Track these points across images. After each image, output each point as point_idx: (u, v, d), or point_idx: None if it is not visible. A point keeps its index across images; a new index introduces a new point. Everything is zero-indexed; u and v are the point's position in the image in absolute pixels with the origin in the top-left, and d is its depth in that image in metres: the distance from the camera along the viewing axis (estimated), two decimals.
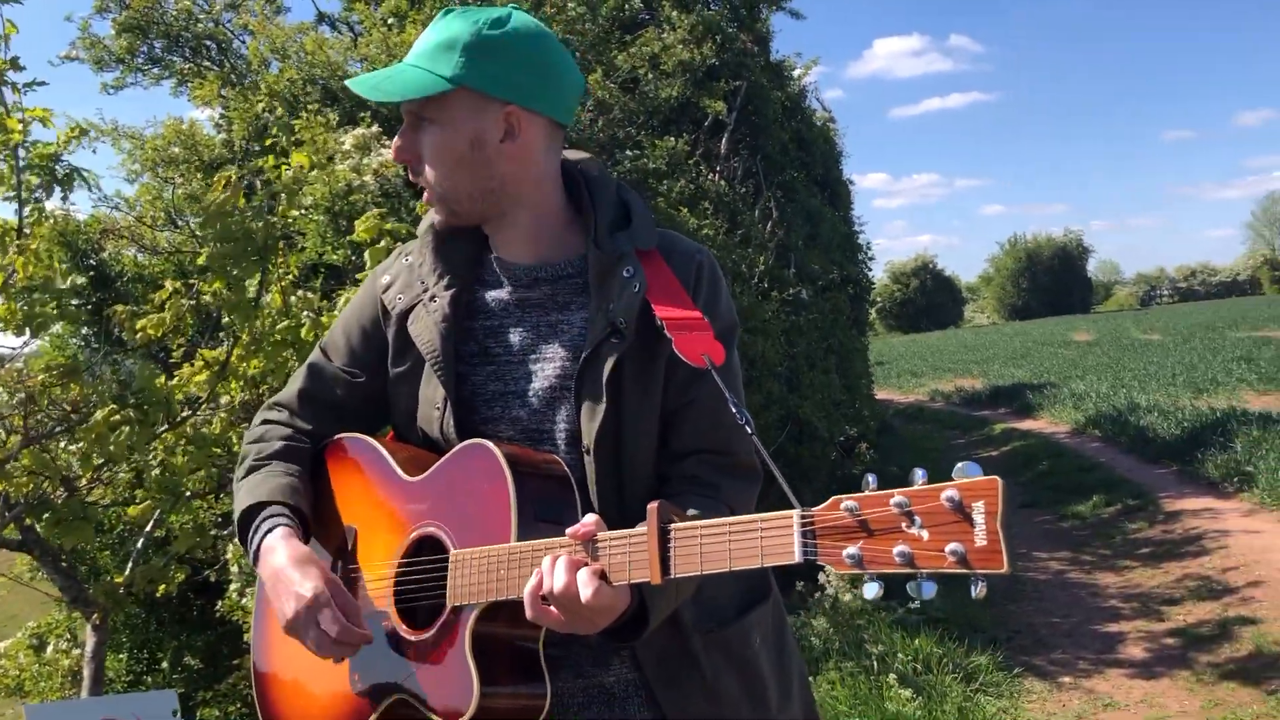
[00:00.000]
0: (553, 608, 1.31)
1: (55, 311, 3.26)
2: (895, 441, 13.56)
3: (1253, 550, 7.09)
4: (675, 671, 1.53)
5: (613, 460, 1.50)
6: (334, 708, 1.55)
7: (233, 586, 3.89)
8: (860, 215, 14.18)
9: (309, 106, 5.21)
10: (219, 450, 3.52)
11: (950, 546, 1.06)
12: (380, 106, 5.83)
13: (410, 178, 1.59)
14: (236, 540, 1.69)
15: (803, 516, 1.16)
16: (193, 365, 3.56)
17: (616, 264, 1.53)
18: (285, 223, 3.55)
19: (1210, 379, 16.26)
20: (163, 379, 3.49)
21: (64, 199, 3.45)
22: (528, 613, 1.33)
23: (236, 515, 1.60)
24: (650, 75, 7.68)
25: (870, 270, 13.98)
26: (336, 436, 1.68)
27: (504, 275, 1.60)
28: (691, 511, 1.29)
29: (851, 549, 1.11)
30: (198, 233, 3.76)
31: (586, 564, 1.30)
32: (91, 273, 6.67)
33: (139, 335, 3.48)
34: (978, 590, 1.06)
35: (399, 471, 1.56)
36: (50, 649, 5.59)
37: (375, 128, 4.91)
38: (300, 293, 3.68)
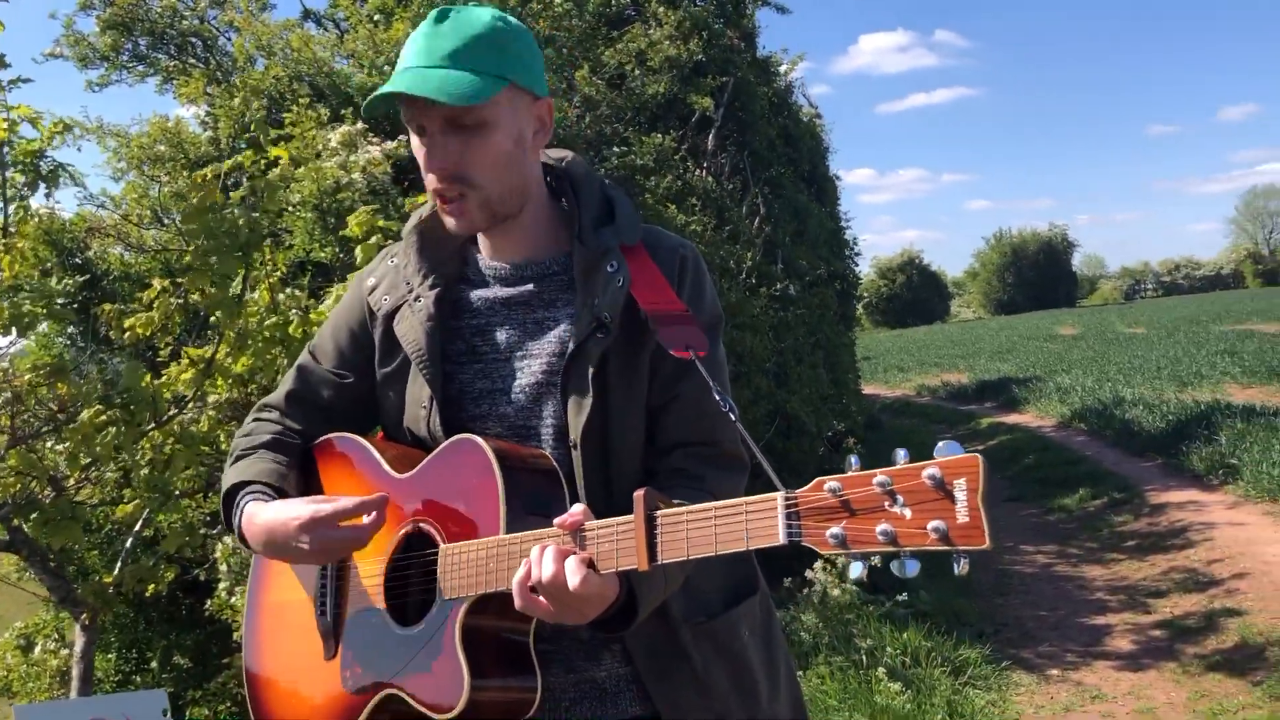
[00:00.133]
0: (541, 598, 1.32)
1: (42, 310, 3.25)
2: (882, 436, 13.59)
3: (1237, 542, 7.14)
4: (666, 665, 1.53)
5: (600, 454, 1.50)
6: (325, 704, 1.55)
7: (222, 585, 3.88)
8: (847, 211, 14.26)
9: (299, 101, 5.19)
10: (207, 449, 3.51)
11: (933, 524, 1.07)
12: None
13: (441, 188, 1.50)
14: (226, 538, 1.70)
15: (787, 498, 1.17)
16: (180, 364, 3.56)
17: (601, 259, 1.54)
18: (270, 218, 3.54)
19: (1194, 372, 16.33)
20: (149, 378, 3.48)
21: (49, 196, 3.44)
22: (516, 603, 1.34)
23: (222, 495, 1.62)
24: (637, 71, 7.69)
25: (857, 265, 14.06)
26: (326, 436, 1.68)
27: (490, 274, 1.61)
28: (677, 501, 1.30)
29: (835, 529, 1.12)
30: (181, 229, 3.75)
31: (574, 553, 1.31)
32: (78, 272, 6.63)
33: (127, 334, 3.48)
34: (960, 567, 1.07)
35: (388, 469, 1.56)
36: (38, 649, 5.59)
37: (361, 124, 4.90)
38: (288, 290, 3.67)
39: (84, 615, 3.55)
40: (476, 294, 1.61)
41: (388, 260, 1.68)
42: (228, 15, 9.73)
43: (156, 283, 3.53)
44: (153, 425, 3.38)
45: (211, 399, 3.64)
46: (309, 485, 1.66)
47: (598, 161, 6.69)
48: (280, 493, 1.58)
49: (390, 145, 4.76)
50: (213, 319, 3.55)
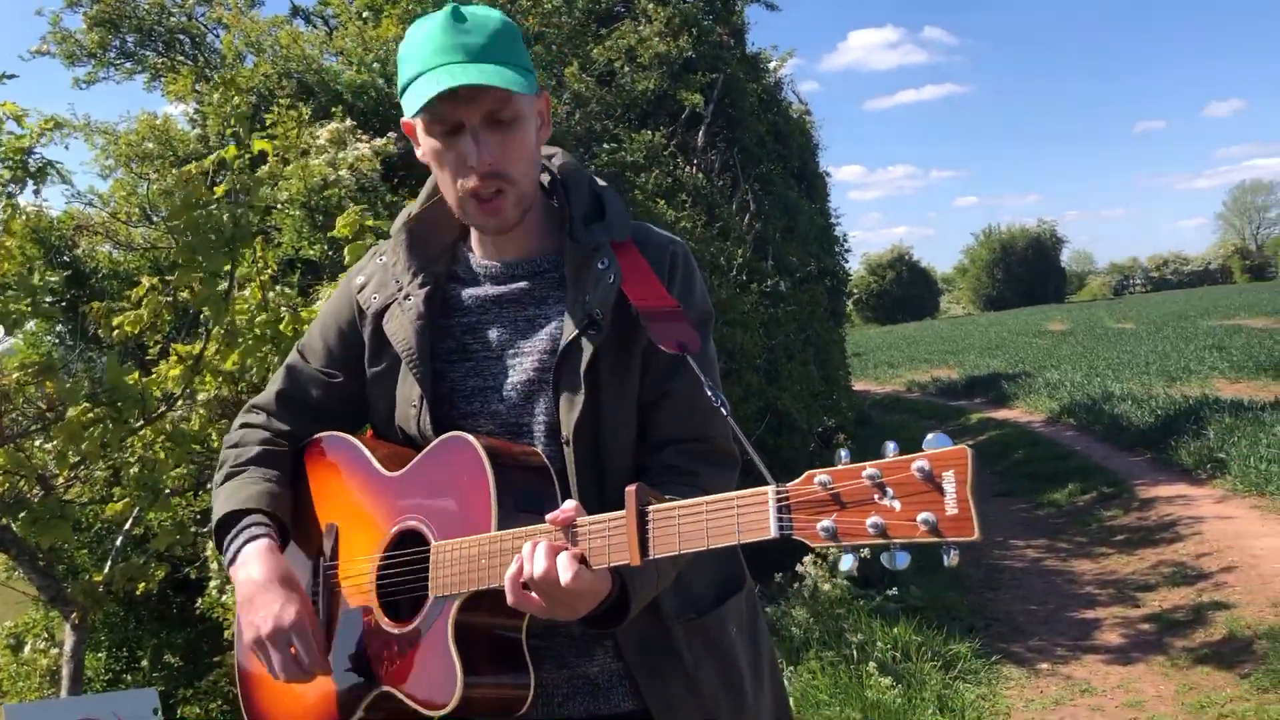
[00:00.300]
0: (534, 594, 1.32)
1: (29, 308, 3.23)
2: (873, 432, 13.62)
3: (1225, 536, 7.18)
4: (657, 661, 1.54)
5: (591, 451, 1.51)
6: (318, 703, 1.55)
7: (212, 584, 3.87)
8: (837, 207, 14.24)
9: (281, 100, 5.17)
10: (198, 446, 3.50)
11: (922, 516, 1.07)
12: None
13: (478, 186, 1.48)
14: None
15: (777, 492, 1.17)
16: (169, 361, 3.55)
17: (591, 256, 1.54)
18: (258, 215, 3.53)
19: (1183, 367, 16.41)
20: (136, 375, 3.47)
21: (36, 193, 3.42)
22: (509, 599, 1.34)
23: (214, 521, 1.61)
24: (627, 68, 7.68)
25: (847, 262, 14.06)
26: (316, 436, 1.68)
27: (481, 272, 1.61)
28: (669, 497, 1.30)
29: (825, 522, 1.13)
30: (167, 226, 3.73)
31: (566, 549, 1.31)
32: (66, 269, 6.60)
33: (116, 332, 3.46)
34: (950, 559, 1.08)
35: (379, 467, 1.56)
36: (28, 648, 5.57)
37: (349, 122, 4.88)
38: (278, 288, 3.66)
39: (74, 614, 3.54)
40: (467, 292, 1.61)
41: (377, 258, 1.68)
42: (216, 12, 9.68)
43: (145, 280, 3.52)
44: (142, 423, 3.37)
45: (201, 396, 3.62)
46: (299, 487, 1.66)
47: (587, 158, 6.68)
48: (274, 517, 1.59)
49: (379, 142, 4.74)
50: (201, 316, 3.54)
